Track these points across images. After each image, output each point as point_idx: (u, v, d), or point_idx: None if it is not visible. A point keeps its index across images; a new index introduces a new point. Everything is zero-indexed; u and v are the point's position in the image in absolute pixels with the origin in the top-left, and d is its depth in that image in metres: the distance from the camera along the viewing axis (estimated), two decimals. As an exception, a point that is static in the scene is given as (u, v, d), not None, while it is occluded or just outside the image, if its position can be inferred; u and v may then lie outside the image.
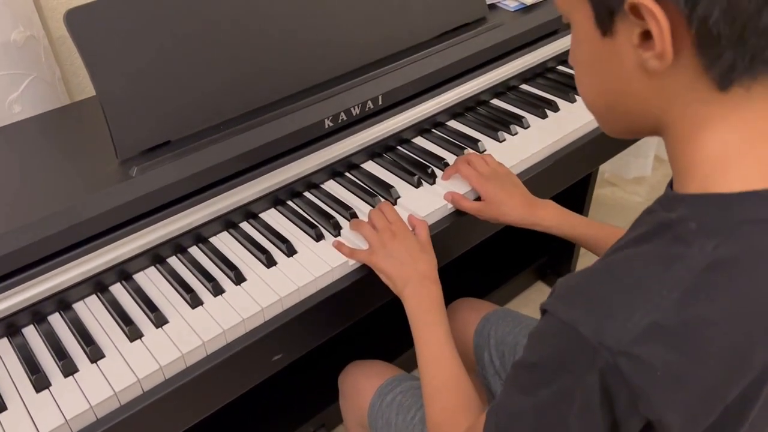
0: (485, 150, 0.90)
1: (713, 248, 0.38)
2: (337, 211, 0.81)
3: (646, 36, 0.39)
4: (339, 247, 0.75)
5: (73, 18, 0.70)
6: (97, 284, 0.71)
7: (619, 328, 0.39)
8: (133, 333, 0.66)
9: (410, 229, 0.75)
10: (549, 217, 0.79)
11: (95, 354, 0.64)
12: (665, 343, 0.38)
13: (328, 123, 0.84)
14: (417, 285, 0.69)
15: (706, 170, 0.41)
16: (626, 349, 0.38)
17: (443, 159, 0.87)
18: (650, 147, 1.79)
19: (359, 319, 0.79)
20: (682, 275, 0.38)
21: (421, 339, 0.67)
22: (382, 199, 0.82)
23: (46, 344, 0.66)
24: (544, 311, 0.45)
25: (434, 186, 0.84)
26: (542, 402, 0.43)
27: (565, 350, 0.42)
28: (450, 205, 0.81)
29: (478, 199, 0.81)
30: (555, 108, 0.98)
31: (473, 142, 0.91)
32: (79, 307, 0.70)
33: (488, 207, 0.79)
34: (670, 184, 0.46)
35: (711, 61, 0.38)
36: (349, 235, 0.77)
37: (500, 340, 0.89)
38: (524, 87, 1.05)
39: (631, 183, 1.93)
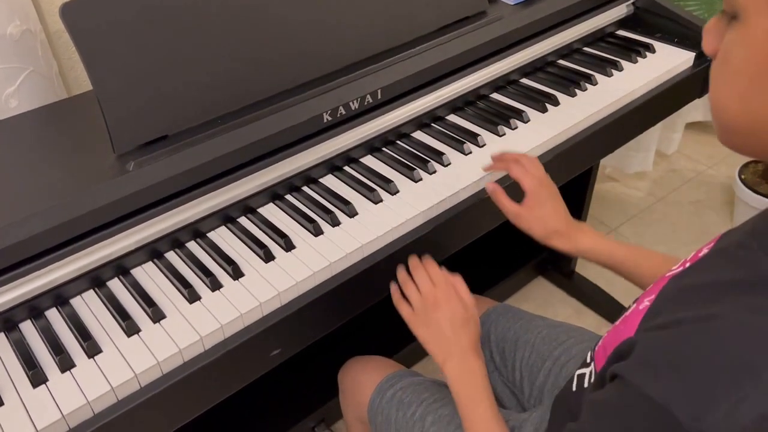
0: (485, 144, 0.90)
1: None
2: (335, 206, 0.80)
3: None
4: (393, 292, 0.74)
5: (68, 11, 0.69)
6: (95, 279, 0.71)
7: (723, 418, 0.33)
8: (131, 328, 0.66)
9: (458, 296, 0.70)
10: (588, 238, 0.75)
11: (92, 349, 0.64)
12: None
13: (326, 117, 0.84)
14: (459, 360, 0.67)
15: None
16: None
17: (443, 153, 0.87)
18: (652, 141, 1.78)
19: (358, 315, 0.78)
20: None
21: (465, 416, 0.65)
22: (382, 193, 0.81)
23: (43, 339, 0.66)
24: (614, 376, 0.39)
25: (433, 180, 0.84)
26: None
27: (651, 431, 0.36)
28: (449, 198, 0.81)
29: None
30: (555, 102, 0.98)
31: (473, 137, 0.90)
32: (76, 302, 0.70)
33: (530, 213, 0.75)
34: None
35: None
36: (348, 229, 0.77)
37: (501, 336, 0.88)
38: (524, 81, 1.05)
39: (632, 178, 1.93)
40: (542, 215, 0.76)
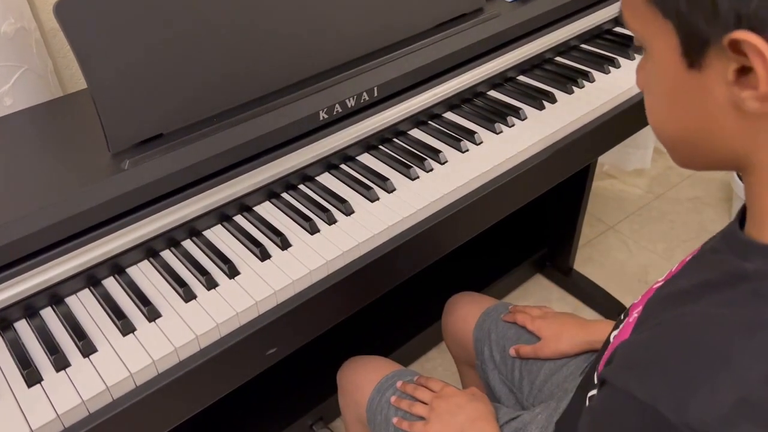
0: (482, 142, 0.90)
1: None
2: (332, 204, 0.80)
3: (743, 71, 0.35)
4: (399, 423, 0.78)
5: (62, 9, 0.69)
6: (90, 278, 0.71)
7: (703, 406, 0.35)
8: (126, 327, 0.66)
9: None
10: (608, 330, 0.79)
11: (87, 348, 0.64)
12: (757, 422, 0.34)
13: (323, 115, 0.84)
14: (471, 430, 0.72)
15: None
16: (714, 431, 0.34)
17: (440, 151, 0.87)
18: (650, 138, 1.78)
19: (355, 313, 0.78)
20: None
21: None
22: (379, 192, 0.81)
23: (37, 338, 0.66)
24: (603, 382, 0.41)
25: (430, 177, 0.84)
26: None
27: (643, 431, 0.37)
28: (445, 199, 0.81)
29: None
30: (552, 99, 0.97)
31: (470, 134, 0.90)
32: (71, 301, 0.70)
33: (546, 343, 0.82)
34: (740, 222, 0.42)
35: None
36: (345, 227, 0.77)
37: (501, 334, 0.88)
38: (521, 78, 1.04)
39: (630, 175, 1.92)
40: (555, 333, 0.82)
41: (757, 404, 0.34)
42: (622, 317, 0.52)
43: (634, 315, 0.48)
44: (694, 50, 0.37)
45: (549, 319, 0.85)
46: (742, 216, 0.42)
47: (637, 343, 0.41)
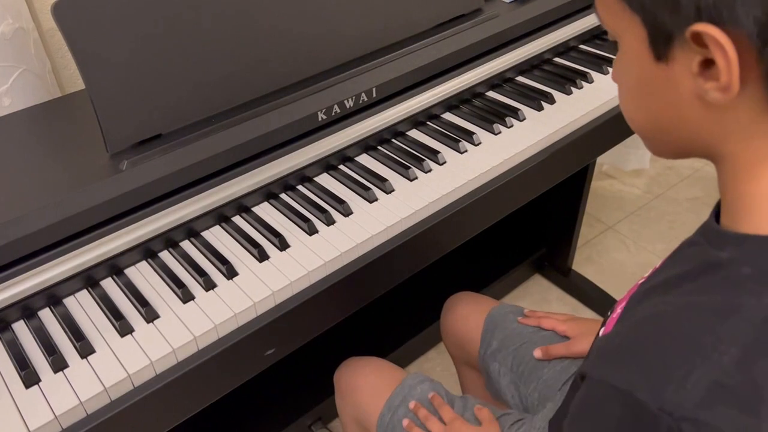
0: (480, 143, 0.90)
1: None
2: (330, 205, 0.80)
3: (707, 64, 0.36)
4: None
5: (60, 10, 0.69)
6: (88, 279, 0.71)
7: (678, 391, 0.35)
8: (124, 328, 0.66)
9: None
10: None
11: (85, 349, 0.64)
12: (732, 405, 0.35)
13: (321, 116, 0.84)
14: None
15: (763, 209, 0.39)
16: (690, 415, 0.35)
17: (438, 152, 0.87)
18: (648, 139, 1.78)
19: (354, 313, 0.78)
20: (741, 328, 0.36)
21: None
22: (377, 192, 0.81)
23: (35, 339, 0.66)
24: (583, 376, 0.41)
25: (429, 178, 0.84)
26: None
27: (623, 419, 0.38)
28: (444, 200, 0.81)
29: None
30: (551, 100, 0.97)
31: (468, 135, 0.90)
32: (69, 302, 0.70)
33: (577, 339, 0.82)
34: (716, 215, 0.43)
35: None
36: (343, 228, 0.77)
37: (506, 334, 0.88)
38: (520, 79, 1.04)
39: (629, 175, 1.92)
40: (591, 334, 0.81)
41: (731, 387, 0.35)
42: (608, 314, 0.53)
43: (618, 311, 0.49)
44: (661, 43, 0.38)
45: (575, 320, 0.85)
46: (718, 209, 0.43)
47: (614, 335, 0.42)
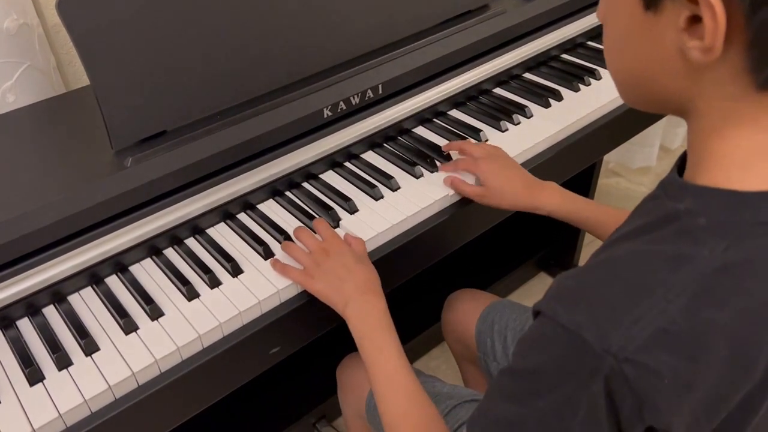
0: (487, 140, 0.89)
1: (724, 250, 0.37)
2: (336, 202, 0.79)
3: (694, 20, 0.36)
4: (273, 264, 0.70)
5: (65, 5, 0.68)
6: (92, 276, 0.71)
7: (624, 334, 0.37)
8: (129, 326, 0.65)
9: (347, 243, 0.71)
10: (551, 199, 0.76)
11: (90, 347, 0.64)
12: (673, 351, 0.36)
13: (327, 112, 0.83)
14: (358, 302, 0.64)
15: (725, 165, 0.40)
16: (632, 357, 0.36)
17: (444, 149, 0.86)
18: (656, 136, 1.77)
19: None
20: (691, 278, 0.37)
21: (374, 365, 0.62)
22: (383, 190, 0.81)
23: (40, 337, 0.65)
24: (537, 313, 0.43)
25: (435, 176, 0.83)
26: (542, 411, 0.41)
27: (567, 356, 0.39)
28: (451, 194, 0.80)
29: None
30: (559, 97, 0.97)
31: (475, 132, 0.89)
32: (73, 299, 0.70)
33: (488, 191, 0.77)
34: (678, 169, 0.44)
35: (759, 64, 0.36)
36: (348, 226, 0.76)
37: (504, 325, 0.88)
38: (527, 76, 1.04)
39: (636, 173, 1.91)
40: (500, 186, 0.77)
41: (676, 335, 0.36)
42: None
43: None
44: None
45: (491, 163, 0.79)
46: (681, 163, 0.44)
47: (568, 277, 0.43)
